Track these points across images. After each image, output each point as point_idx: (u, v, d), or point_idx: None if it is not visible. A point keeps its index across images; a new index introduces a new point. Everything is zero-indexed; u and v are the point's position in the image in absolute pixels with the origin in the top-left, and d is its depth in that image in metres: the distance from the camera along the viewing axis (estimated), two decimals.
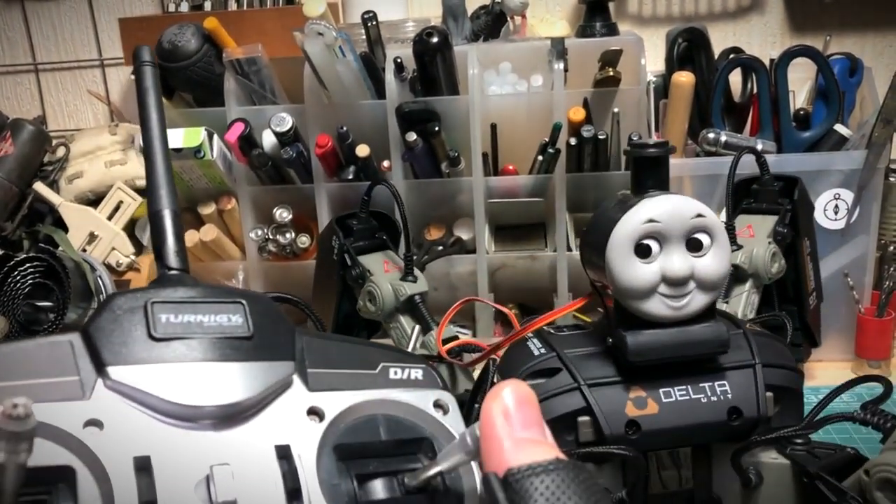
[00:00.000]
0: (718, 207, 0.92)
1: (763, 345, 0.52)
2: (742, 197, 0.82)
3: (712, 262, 0.48)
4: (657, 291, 0.48)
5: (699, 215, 0.48)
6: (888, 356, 0.92)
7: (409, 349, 0.73)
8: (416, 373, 0.40)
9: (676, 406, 0.49)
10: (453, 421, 0.38)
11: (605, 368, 0.50)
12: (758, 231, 0.80)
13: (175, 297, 0.35)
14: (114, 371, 0.32)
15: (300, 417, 0.35)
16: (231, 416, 0.34)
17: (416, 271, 0.77)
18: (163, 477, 0.31)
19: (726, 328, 0.50)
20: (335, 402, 0.36)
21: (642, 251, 0.48)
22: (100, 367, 0.33)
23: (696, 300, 0.48)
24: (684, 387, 0.49)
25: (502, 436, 0.31)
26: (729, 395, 0.49)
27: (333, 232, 0.80)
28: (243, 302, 0.36)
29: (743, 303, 0.76)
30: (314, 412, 0.36)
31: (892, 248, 0.96)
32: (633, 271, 0.47)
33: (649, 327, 0.49)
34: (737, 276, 0.77)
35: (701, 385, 0.49)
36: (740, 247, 0.77)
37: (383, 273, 0.78)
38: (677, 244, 0.48)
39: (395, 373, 0.39)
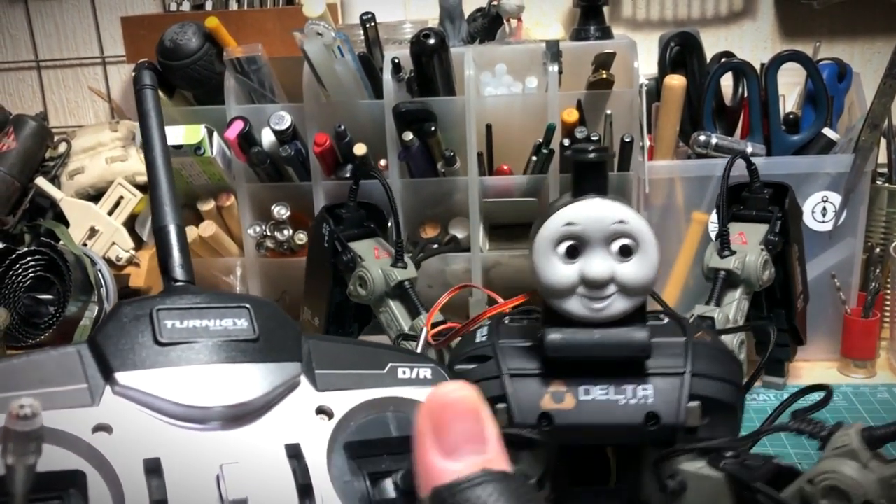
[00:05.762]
0: (708, 209, 0.94)
1: (703, 355, 0.52)
2: (731, 202, 0.83)
3: (634, 269, 0.49)
4: (577, 292, 0.49)
5: (621, 221, 0.49)
6: (873, 356, 0.94)
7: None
8: (425, 372, 0.40)
9: (594, 404, 0.49)
10: None
11: (531, 361, 0.51)
12: (749, 238, 0.80)
13: (180, 304, 0.35)
14: (121, 377, 0.33)
15: (309, 416, 0.35)
16: (239, 416, 0.34)
17: (406, 258, 0.79)
18: (173, 478, 0.31)
19: (648, 335, 0.50)
20: (344, 401, 0.36)
21: (566, 252, 0.49)
22: (107, 373, 0.33)
23: (616, 304, 0.49)
24: (606, 386, 0.50)
25: (430, 455, 0.30)
26: (649, 400, 0.49)
27: (324, 219, 0.81)
28: (248, 306, 0.36)
29: (734, 309, 0.77)
30: (323, 411, 0.36)
31: (878, 250, 0.97)
32: (552, 271, 0.49)
33: (572, 326, 0.50)
34: (729, 281, 0.78)
35: (623, 387, 0.50)
36: (733, 252, 0.78)
37: (374, 259, 0.79)
38: (599, 248, 0.49)
39: (404, 372, 0.39)
